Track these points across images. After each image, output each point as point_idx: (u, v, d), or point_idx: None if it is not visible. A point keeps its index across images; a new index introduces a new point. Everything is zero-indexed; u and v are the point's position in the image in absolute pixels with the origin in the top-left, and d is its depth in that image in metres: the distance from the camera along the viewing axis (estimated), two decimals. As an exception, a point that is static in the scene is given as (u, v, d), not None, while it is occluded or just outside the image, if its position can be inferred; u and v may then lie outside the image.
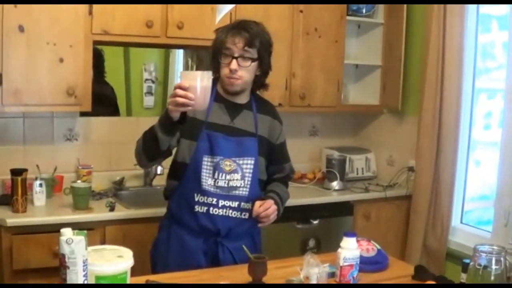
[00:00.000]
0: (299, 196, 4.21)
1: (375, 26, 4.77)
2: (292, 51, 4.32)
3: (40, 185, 3.56)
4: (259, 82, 2.93)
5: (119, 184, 4.10)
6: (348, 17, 4.56)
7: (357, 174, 4.83)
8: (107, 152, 4.15)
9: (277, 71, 4.20)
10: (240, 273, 2.52)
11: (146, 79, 4.44)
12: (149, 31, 3.77)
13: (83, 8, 3.59)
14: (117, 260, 2.13)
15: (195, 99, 2.41)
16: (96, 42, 3.71)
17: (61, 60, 3.57)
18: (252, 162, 2.85)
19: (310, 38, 4.38)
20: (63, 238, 1.97)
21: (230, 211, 2.82)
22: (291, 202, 4.04)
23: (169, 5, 3.80)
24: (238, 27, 2.77)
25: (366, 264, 2.65)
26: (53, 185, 3.80)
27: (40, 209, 3.52)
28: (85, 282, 2.00)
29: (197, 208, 2.79)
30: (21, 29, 3.43)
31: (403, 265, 2.92)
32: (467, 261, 2.37)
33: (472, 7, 4.10)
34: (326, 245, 3.98)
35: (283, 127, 3.08)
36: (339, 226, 4.15)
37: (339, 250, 2.51)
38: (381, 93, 4.79)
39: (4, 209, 3.43)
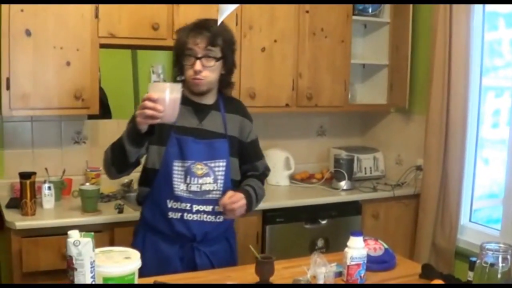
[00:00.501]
0: (307, 196, 4.22)
1: (381, 25, 4.77)
2: (298, 52, 4.32)
3: (49, 188, 3.58)
4: (225, 81, 2.86)
5: (127, 187, 4.11)
6: (354, 17, 4.55)
7: (365, 173, 4.83)
8: (115, 154, 4.15)
9: (283, 72, 4.26)
10: (248, 273, 2.52)
11: (154, 81, 4.45)
12: (155, 33, 3.79)
13: (89, 11, 3.61)
14: (125, 261, 2.14)
15: (164, 111, 2.37)
16: (102, 45, 3.72)
17: (68, 64, 3.59)
18: (224, 164, 2.79)
19: (317, 38, 4.38)
20: (70, 240, 1.99)
21: (205, 215, 2.76)
22: (299, 202, 4.08)
23: (175, 7, 3.82)
24: (199, 26, 2.71)
25: (373, 263, 2.65)
26: (61, 188, 3.82)
27: (49, 212, 3.53)
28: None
29: (171, 214, 2.73)
30: (28, 33, 3.45)
31: (410, 264, 2.91)
32: (473, 259, 2.37)
33: (478, 5, 4.09)
34: (335, 244, 3.99)
35: (253, 125, 2.99)
36: (347, 226, 4.15)
37: (346, 249, 2.52)
38: (388, 92, 4.78)
39: (13, 212, 3.45)
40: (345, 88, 4.56)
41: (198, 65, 2.67)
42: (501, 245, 2.21)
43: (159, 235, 2.78)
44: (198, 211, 2.74)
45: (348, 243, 2.53)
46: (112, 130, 4.12)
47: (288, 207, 4.01)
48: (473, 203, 4.36)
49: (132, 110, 4.32)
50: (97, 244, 2.07)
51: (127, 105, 4.37)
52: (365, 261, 2.52)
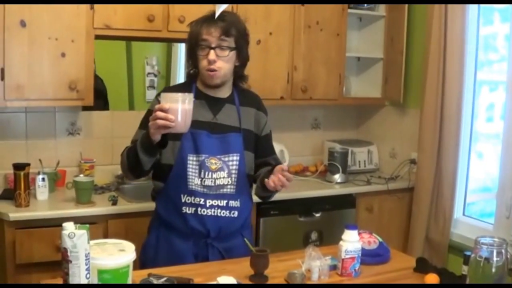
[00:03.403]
0: (301, 189, 4.22)
1: (376, 18, 4.77)
2: (293, 45, 4.32)
3: (43, 179, 3.57)
4: (238, 73, 2.85)
5: (121, 178, 4.09)
6: (350, 10, 4.55)
7: (359, 166, 4.83)
8: (110, 146, 4.15)
9: (278, 64, 4.26)
10: (243, 266, 2.51)
11: (149, 73, 4.45)
12: (150, 25, 3.77)
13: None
14: (119, 253, 2.14)
15: (176, 121, 2.37)
16: (97, 37, 3.71)
17: (63, 55, 3.57)
18: (237, 158, 2.77)
19: (312, 31, 4.38)
20: (65, 232, 1.98)
21: (219, 210, 2.74)
22: (293, 195, 4.07)
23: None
24: (212, 17, 2.69)
25: (367, 256, 2.65)
26: (55, 180, 3.81)
27: (42, 204, 3.53)
28: (88, 276, 2.01)
29: (185, 209, 2.72)
30: (23, 24, 3.43)
31: (405, 258, 2.92)
32: (468, 253, 2.37)
33: (473, -1, 4.10)
34: (329, 238, 3.99)
35: (267, 119, 2.99)
36: (341, 219, 4.15)
37: (341, 242, 2.52)
38: (383, 86, 4.79)
39: (7, 203, 3.44)
40: (340, 81, 4.56)
41: (212, 55, 2.66)
42: (496, 240, 2.21)
43: (173, 230, 2.77)
44: (212, 206, 2.72)
45: (343, 236, 2.53)
46: (107, 121, 4.14)
47: (282, 200, 3.99)
48: (466, 197, 4.37)
49: (126, 102, 4.39)
50: (91, 236, 2.07)
51: (121, 96, 4.37)
52: (360, 255, 2.53)
